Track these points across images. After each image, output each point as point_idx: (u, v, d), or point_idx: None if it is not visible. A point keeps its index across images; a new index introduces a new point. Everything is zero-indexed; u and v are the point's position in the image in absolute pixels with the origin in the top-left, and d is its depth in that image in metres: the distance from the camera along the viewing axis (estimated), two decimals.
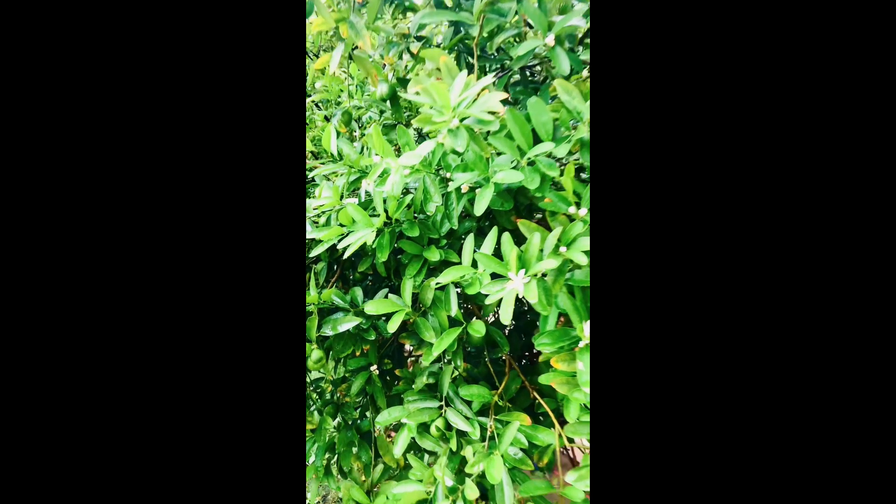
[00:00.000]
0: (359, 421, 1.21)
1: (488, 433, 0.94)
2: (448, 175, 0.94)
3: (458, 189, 0.97)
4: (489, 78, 0.63)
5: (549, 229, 0.76)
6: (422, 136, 1.44)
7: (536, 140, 0.75)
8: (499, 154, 0.82)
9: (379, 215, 0.90)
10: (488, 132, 0.82)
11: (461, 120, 0.66)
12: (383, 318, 1.04)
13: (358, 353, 1.12)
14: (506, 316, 0.67)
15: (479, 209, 0.75)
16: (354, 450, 1.19)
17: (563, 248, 0.72)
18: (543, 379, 0.88)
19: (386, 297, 1.00)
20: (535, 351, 1.37)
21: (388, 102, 1.23)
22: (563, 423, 0.91)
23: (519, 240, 1.01)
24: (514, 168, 0.75)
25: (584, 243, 0.70)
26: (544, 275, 0.74)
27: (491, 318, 1.34)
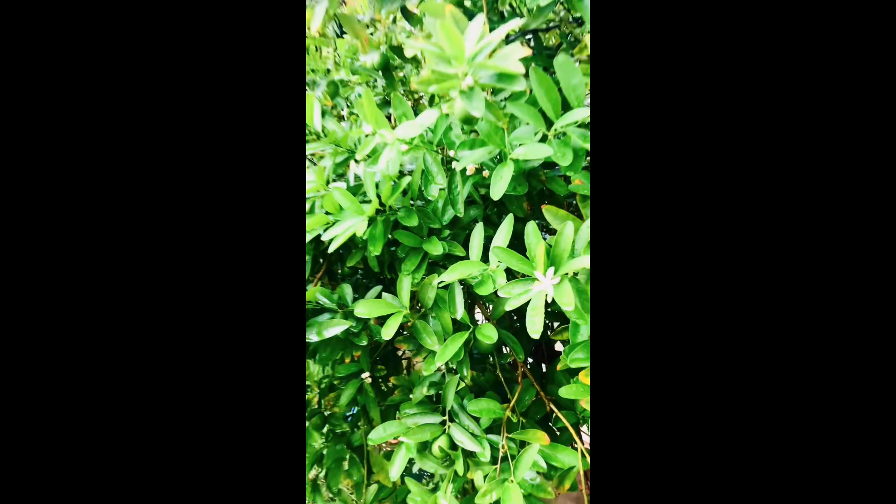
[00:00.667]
0: (349, 433, 1.07)
1: (500, 454, 0.81)
2: (452, 153, 0.80)
3: (463, 171, 0.83)
4: (515, 22, 0.49)
5: (581, 217, 0.62)
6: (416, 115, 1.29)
7: (565, 108, 0.62)
8: (512, 129, 0.68)
9: (371, 201, 0.76)
10: (504, 100, 0.68)
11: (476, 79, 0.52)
12: (375, 321, 0.90)
13: (348, 360, 0.98)
14: (535, 327, 0.54)
15: (497, 192, 0.61)
16: (345, 465, 1.06)
17: None
18: (565, 392, 0.75)
19: (379, 296, 0.86)
20: (545, 352, 1.24)
21: (380, 73, 1.08)
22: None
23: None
24: (538, 141, 0.61)
25: None
26: (576, 274, 0.61)
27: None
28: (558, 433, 0.93)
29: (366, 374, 1.00)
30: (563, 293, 0.54)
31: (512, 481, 0.75)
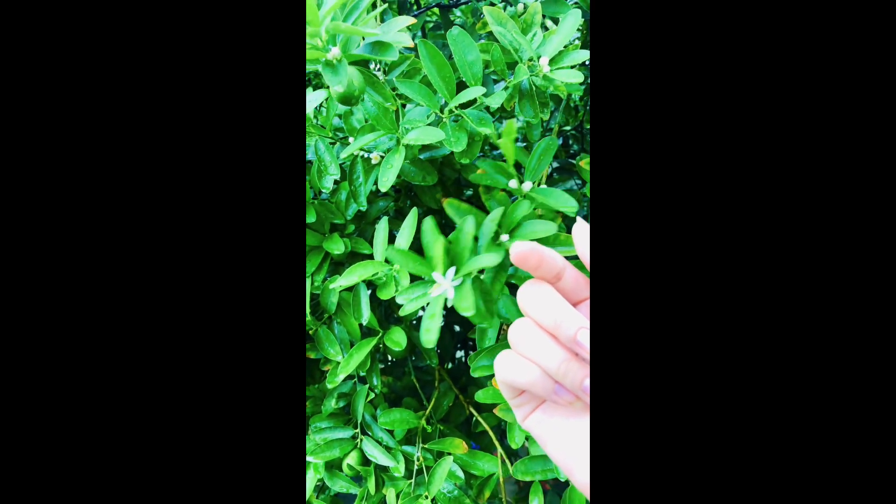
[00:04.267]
0: None
1: (416, 466, 0.75)
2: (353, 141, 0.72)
3: (368, 161, 0.75)
4: None
5: (487, 211, 0.56)
6: None
7: (461, 87, 0.55)
8: (404, 106, 0.60)
9: None
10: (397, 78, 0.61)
11: (345, 50, 0.44)
12: None
13: None
14: (430, 336, 0.48)
15: (385, 183, 0.54)
16: None
17: (504, 237, 0.53)
18: (482, 397, 0.70)
19: None
20: (469, 346, 1.19)
21: None
22: (507, 447, 0.74)
23: (447, 224, 0.80)
24: (431, 124, 0.54)
25: (534, 229, 0.51)
26: (480, 272, 0.54)
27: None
28: (479, 435, 0.87)
29: None
30: (464, 296, 0.48)
31: (426, 497, 0.69)
